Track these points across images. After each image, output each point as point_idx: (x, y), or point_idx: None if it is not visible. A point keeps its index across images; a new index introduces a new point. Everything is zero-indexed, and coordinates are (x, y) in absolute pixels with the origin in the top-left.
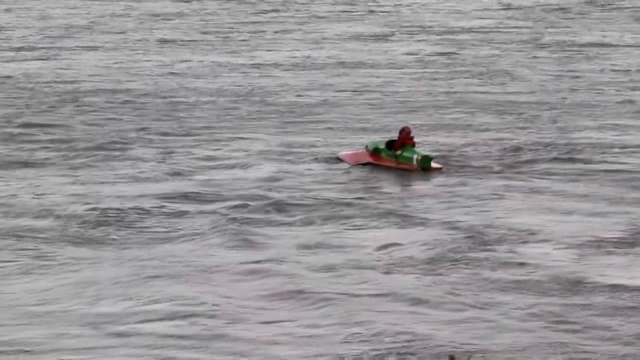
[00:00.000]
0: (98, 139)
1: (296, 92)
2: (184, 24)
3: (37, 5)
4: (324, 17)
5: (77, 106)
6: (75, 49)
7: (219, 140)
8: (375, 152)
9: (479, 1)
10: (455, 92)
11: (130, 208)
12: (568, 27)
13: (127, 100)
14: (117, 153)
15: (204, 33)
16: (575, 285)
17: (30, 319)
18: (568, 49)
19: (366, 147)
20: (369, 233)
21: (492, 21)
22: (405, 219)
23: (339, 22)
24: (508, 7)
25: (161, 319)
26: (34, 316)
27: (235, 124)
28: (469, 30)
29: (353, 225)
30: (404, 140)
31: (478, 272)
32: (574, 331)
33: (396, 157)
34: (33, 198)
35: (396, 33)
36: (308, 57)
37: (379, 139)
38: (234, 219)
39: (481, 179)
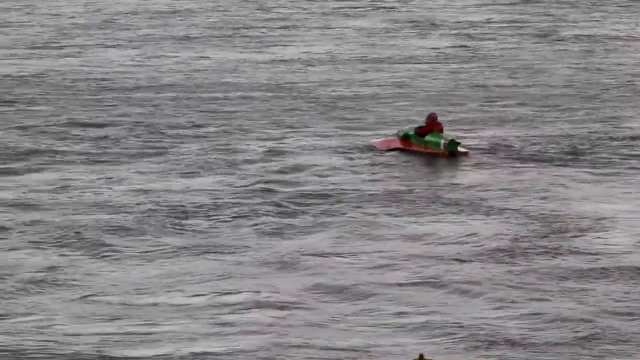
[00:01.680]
0: (149, 135)
1: (328, 87)
2: (195, 21)
3: (42, 3)
4: (332, 13)
5: (120, 102)
6: (97, 46)
7: (266, 135)
8: (405, 138)
9: None
10: (487, 86)
11: (195, 202)
12: (579, 20)
13: (169, 97)
14: (170, 148)
15: (218, 29)
16: None
17: (132, 310)
18: (586, 41)
19: (397, 133)
20: (437, 224)
21: (502, 15)
22: (470, 209)
23: (348, 17)
24: (514, 3)
25: (255, 308)
26: (134, 307)
27: (276, 118)
28: (482, 24)
29: (420, 216)
30: (432, 125)
31: (547, 260)
32: None
33: (425, 142)
34: (104, 193)
35: (409, 28)
36: (329, 52)
37: (410, 126)
38: (297, 212)
39: (538, 169)
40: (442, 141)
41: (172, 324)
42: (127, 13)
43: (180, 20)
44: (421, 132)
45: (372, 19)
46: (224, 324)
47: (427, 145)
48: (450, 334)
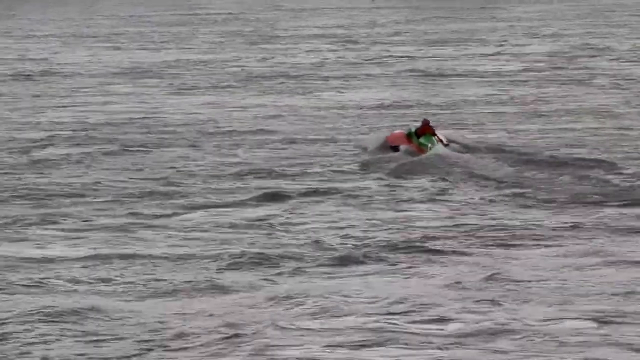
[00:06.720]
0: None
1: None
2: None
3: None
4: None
5: (216, 143)
6: (152, 93)
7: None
8: (408, 136)
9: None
10: (560, 130)
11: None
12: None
13: (257, 140)
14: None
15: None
16: None
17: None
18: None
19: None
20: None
21: (536, 64)
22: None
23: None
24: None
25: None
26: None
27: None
28: (519, 72)
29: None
30: (425, 129)
31: None
32: None
33: (419, 142)
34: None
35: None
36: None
37: (414, 125)
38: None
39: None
40: (429, 145)
41: None
42: (153, 62)
43: (193, 70)
44: (419, 133)
45: (391, 67)
46: None
47: (420, 145)
48: None
